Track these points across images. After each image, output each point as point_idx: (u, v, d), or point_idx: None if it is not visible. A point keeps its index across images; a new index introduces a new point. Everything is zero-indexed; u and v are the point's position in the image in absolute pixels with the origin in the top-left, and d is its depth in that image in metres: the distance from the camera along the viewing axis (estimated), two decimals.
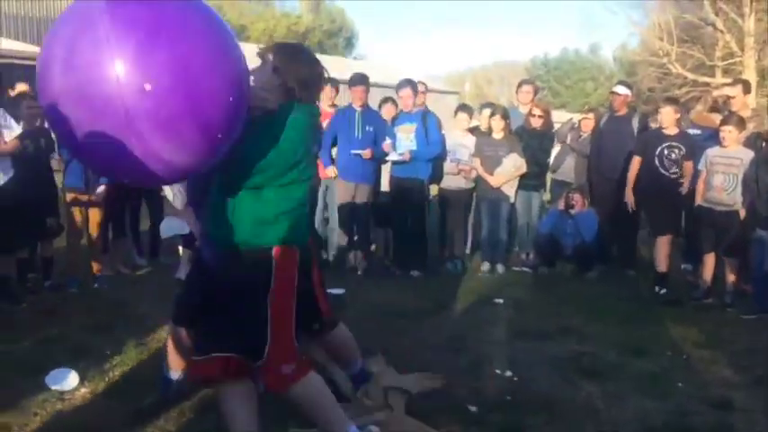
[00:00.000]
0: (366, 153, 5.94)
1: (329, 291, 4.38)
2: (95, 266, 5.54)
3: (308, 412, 2.64)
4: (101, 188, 5.33)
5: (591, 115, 6.62)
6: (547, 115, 6.73)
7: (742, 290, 5.31)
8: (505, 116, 6.41)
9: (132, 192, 5.95)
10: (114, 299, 5.16)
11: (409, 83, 6.31)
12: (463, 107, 6.91)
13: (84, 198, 5.30)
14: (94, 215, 5.41)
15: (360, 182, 6.07)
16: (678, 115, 5.79)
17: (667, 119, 5.63)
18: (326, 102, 6.64)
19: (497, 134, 6.40)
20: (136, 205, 6.19)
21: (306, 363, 2.64)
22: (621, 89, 6.45)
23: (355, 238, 6.22)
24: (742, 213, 5.18)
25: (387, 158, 6.18)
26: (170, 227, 3.31)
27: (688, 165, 5.65)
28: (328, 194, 6.41)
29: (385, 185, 6.51)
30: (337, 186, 6.17)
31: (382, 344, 3.98)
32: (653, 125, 6.45)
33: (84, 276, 5.42)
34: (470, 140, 6.49)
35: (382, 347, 3.84)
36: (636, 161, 5.80)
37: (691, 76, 21.48)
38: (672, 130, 5.66)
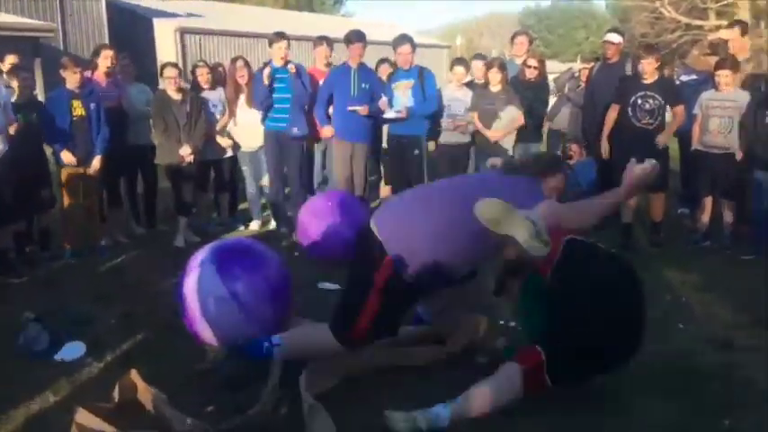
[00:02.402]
0: (362, 109, 5.89)
1: (323, 285, 4.52)
2: (95, 236, 5.54)
3: None
4: (96, 159, 5.29)
5: (592, 65, 6.53)
6: (542, 66, 6.64)
7: (740, 232, 5.33)
8: (503, 68, 6.33)
9: (128, 161, 5.91)
10: (113, 268, 5.17)
11: (407, 39, 6.21)
12: (459, 61, 6.82)
13: (81, 171, 5.26)
14: (90, 186, 5.38)
15: (357, 141, 6.03)
16: (658, 64, 5.66)
17: (648, 69, 5.48)
18: (322, 61, 6.55)
19: (495, 87, 6.31)
20: (132, 174, 6.16)
21: None
22: (614, 37, 6.34)
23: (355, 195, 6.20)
24: (739, 156, 5.17)
25: (384, 116, 6.13)
26: None
27: (677, 111, 5.53)
28: (327, 154, 6.38)
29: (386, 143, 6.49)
30: (334, 146, 6.13)
31: None
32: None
33: (81, 247, 5.42)
34: (465, 94, 6.42)
35: None
36: (612, 109, 5.69)
37: (684, 19, 21.19)
38: (650, 79, 5.50)
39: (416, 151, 6.20)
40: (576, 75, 6.61)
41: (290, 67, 5.88)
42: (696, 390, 3.00)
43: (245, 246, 3.60)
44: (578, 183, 6.21)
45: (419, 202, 3.04)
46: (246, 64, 6.24)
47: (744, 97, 5.20)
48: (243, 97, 6.16)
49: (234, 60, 6.32)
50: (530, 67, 6.50)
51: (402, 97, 6.17)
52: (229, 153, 6.28)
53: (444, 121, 6.39)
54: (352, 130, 5.99)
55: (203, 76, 6.18)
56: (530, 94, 6.44)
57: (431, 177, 6.42)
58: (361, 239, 3.04)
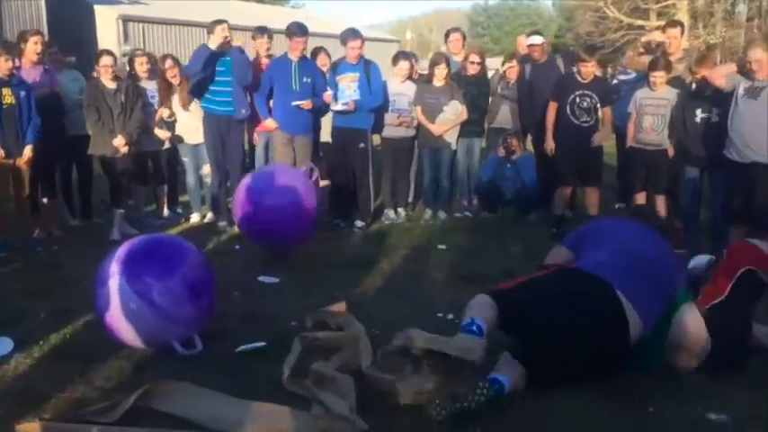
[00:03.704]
0: (306, 104, 5.85)
1: (262, 278, 4.48)
2: (27, 228, 5.34)
3: None
4: (27, 149, 5.10)
5: (514, 62, 6.66)
6: (483, 61, 6.74)
7: (672, 226, 5.51)
8: (448, 63, 6.39)
9: (62, 152, 5.73)
10: (47, 261, 5.00)
11: (357, 34, 6.19)
12: (403, 54, 6.82)
13: (10, 162, 5.06)
14: (21, 176, 5.18)
15: (298, 134, 5.99)
16: (597, 65, 5.82)
17: (587, 71, 5.63)
18: (262, 52, 6.47)
19: (438, 82, 6.38)
20: (66, 166, 5.96)
21: None
22: (537, 39, 6.44)
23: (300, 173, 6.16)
24: (670, 152, 5.35)
25: (331, 109, 6.10)
26: None
27: (605, 111, 5.75)
28: (269, 147, 6.31)
29: (326, 136, 6.44)
30: (275, 139, 6.07)
31: (329, 294, 4.02)
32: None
33: (13, 240, 5.22)
34: (409, 88, 6.45)
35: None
36: (552, 107, 5.84)
37: (626, 19, 21.76)
38: (586, 78, 5.67)
39: (362, 144, 6.20)
40: (502, 74, 6.71)
41: (238, 45, 5.77)
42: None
43: (156, 247, 3.42)
44: (521, 179, 6.34)
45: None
46: (176, 62, 6.12)
47: (675, 94, 5.38)
48: (176, 99, 6.07)
49: (163, 59, 6.18)
50: (472, 62, 6.58)
51: (348, 90, 6.15)
52: (167, 145, 6.15)
53: (389, 116, 6.41)
54: (295, 123, 5.94)
55: (141, 66, 6.04)
56: (473, 88, 6.53)
57: (376, 170, 6.45)
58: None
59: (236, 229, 5.61)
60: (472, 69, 6.58)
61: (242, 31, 9.99)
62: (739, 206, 4.73)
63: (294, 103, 5.82)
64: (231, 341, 3.39)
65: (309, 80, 5.94)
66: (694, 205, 5.33)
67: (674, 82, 5.59)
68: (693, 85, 5.34)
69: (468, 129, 6.55)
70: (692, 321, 3.11)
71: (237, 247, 5.28)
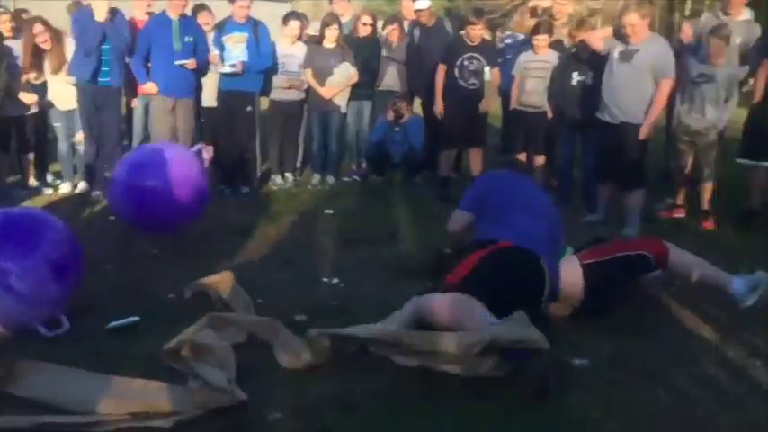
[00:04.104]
0: (190, 63, 5.59)
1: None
2: None
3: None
4: None
5: (395, 24, 6.65)
6: (375, 23, 6.66)
7: (549, 184, 5.75)
8: (340, 25, 6.26)
9: None
10: None
11: None
12: (294, 15, 6.58)
13: None
14: None
15: (180, 96, 5.71)
16: (485, 28, 5.90)
17: (475, 33, 5.71)
18: (141, 9, 6.07)
19: (329, 43, 6.25)
20: None
21: None
22: (423, 3, 6.40)
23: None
24: (549, 114, 5.53)
25: (218, 70, 5.86)
26: None
27: (494, 73, 5.86)
28: (149, 110, 5.97)
29: (210, 100, 6.19)
30: (154, 105, 5.75)
31: (211, 264, 3.90)
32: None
33: None
34: (299, 50, 6.28)
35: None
36: (441, 69, 5.88)
37: None
38: (475, 41, 5.75)
39: (249, 108, 6.01)
40: (385, 38, 6.68)
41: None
42: None
43: (9, 223, 3.12)
44: (409, 142, 6.36)
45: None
46: (47, 26, 5.61)
47: (556, 59, 5.55)
48: (47, 65, 5.61)
49: (30, 22, 5.63)
50: (364, 24, 6.49)
51: (235, 51, 5.91)
52: (34, 109, 5.69)
53: (278, 78, 6.23)
54: (177, 85, 5.65)
55: (5, 24, 5.54)
56: (364, 51, 6.45)
57: (263, 135, 6.28)
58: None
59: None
60: (363, 31, 6.49)
61: None
62: (608, 166, 4.98)
63: (177, 63, 5.53)
64: (101, 317, 3.21)
65: (191, 39, 5.66)
66: (568, 165, 5.57)
67: (557, 46, 5.76)
68: (574, 49, 5.52)
69: (359, 92, 6.49)
70: (571, 273, 3.26)
71: (112, 217, 5.00)
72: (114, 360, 2.83)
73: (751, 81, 5.21)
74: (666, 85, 4.73)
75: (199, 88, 5.96)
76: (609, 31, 5.30)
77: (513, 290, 2.97)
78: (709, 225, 5.01)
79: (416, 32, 6.55)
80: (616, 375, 2.76)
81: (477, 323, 2.68)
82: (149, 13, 6.05)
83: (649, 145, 4.94)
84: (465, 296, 2.80)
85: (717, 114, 4.90)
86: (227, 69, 5.79)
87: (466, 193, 3.68)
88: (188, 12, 5.86)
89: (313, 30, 6.86)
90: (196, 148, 4.53)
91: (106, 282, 3.71)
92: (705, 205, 5.09)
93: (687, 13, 17.91)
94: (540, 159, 5.68)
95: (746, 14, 5.38)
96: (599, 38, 5.19)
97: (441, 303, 2.86)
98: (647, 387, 2.66)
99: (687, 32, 5.72)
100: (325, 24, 6.29)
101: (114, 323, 3.16)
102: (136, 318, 3.22)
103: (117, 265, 3.99)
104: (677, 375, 2.75)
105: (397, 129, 6.38)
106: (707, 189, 5.08)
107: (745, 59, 5.15)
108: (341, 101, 6.41)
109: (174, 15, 5.59)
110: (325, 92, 6.26)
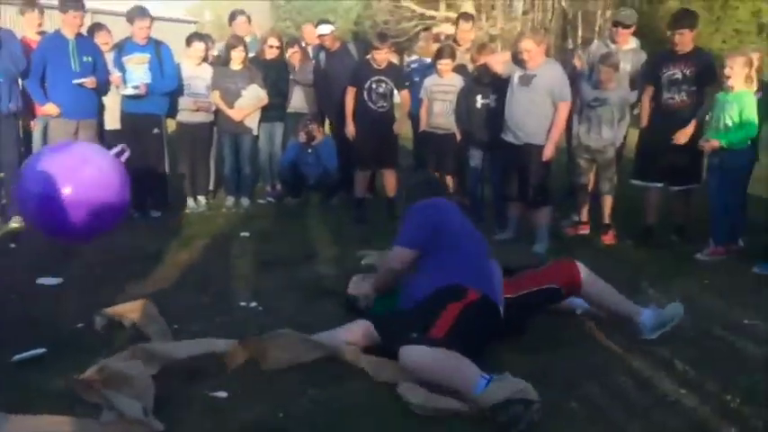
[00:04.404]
0: (90, 81, 5.42)
1: (41, 280, 4.05)
2: None
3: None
4: None
5: (296, 47, 6.75)
6: (282, 45, 6.70)
7: (461, 203, 5.92)
8: (246, 48, 6.24)
9: None
10: None
11: (145, 11, 5.80)
12: (197, 36, 6.53)
13: None
14: None
15: (83, 118, 5.51)
16: (390, 51, 6.04)
17: (380, 58, 5.83)
18: (32, 28, 5.82)
19: (236, 65, 6.23)
20: None
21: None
22: (325, 28, 6.51)
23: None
24: (458, 136, 5.73)
25: (120, 92, 5.71)
26: None
27: (403, 95, 6.03)
28: (48, 134, 5.70)
29: (114, 122, 6.00)
30: (54, 125, 5.50)
31: (120, 291, 3.78)
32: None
33: None
34: (204, 71, 6.22)
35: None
36: (350, 92, 5.96)
37: (418, 9, 22.90)
38: (382, 65, 5.86)
39: (156, 130, 5.90)
40: (288, 57, 6.75)
41: None
42: None
43: None
44: (323, 164, 6.40)
45: None
46: None
47: (461, 81, 5.77)
48: None
49: None
50: (270, 46, 6.51)
51: (137, 72, 5.77)
52: None
53: (184, 100, 6.13)
54: (78, 106, 5.46)
55: None
56: (272, 73, 6.47)
57: (172, 157, 6.15)
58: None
59: (11, 225, 5.05)
60: (270, 54, 6.52)
61: (5, 5, 8.91)
62: (515, 185, 5.21)
63: (75, 82, 5.35)
64: (5, 351, 3.03)
65: (90, 59, 5.50)
66: (478, 185, 5.78)
67: (461, 70, 5.98)
68: (476, 73, 5.75)
69: (270, 114, 6.49)
70: None
71: (13, 245, 4.73)
72: (20, 394, 2.68)
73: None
74: (564, 108, 5.01)
75: (101, 109, 5.79)
76: (507, 55, 5.56)
77: (487, 339, 3.10)
78: (608, 239, 5.30)
79: (322, 56, 6.64)
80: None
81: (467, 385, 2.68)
82: (41, 33, 5.82)
83: (553, 164, 5.20)
84: (453, 353, 2.76)
85: (612, 134, 5.22)
86: (129, 91, 5.67)
87: (407, 230, 3.33)
88: (83, 31, 5.70)
89: (217, 51, 6.83)
90: (117, 148, 4.28)
91: (10, 314, 3.52)
92: (606, 219, 5.38)
93: (579, 41, 19.13)
94: (450, 179, 5.85)
95: (632, 43, 5.79)
96: (499, 62, 5.44)
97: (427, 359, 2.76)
98: (563, 399, 2.74)
99: (579, 62, 6.10)
100: (230, 47, 6.28)
101: (18, 356, 3.00)
102: (42, 350, 3.06)
103: (21, 297, 3.78)
104: (590, 387, 2.86)
105: (309, 151, 6.41)
106: (607, 203, 5.36)
107: (634, 85, 5.54)
108: (252, 123, 6.38)
109: (69, 34, 5.42)
110: (235, 114, 6.21)
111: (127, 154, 4.32)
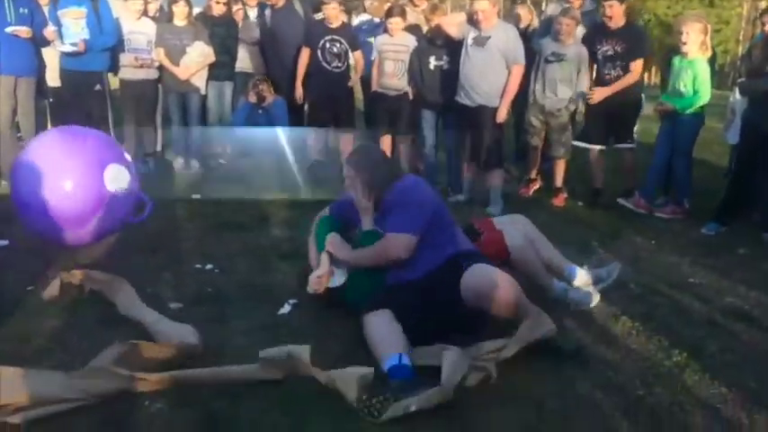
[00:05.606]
0: (24, 30, 5.15)
1: None
2: None
3: None
4: None
5: (239, 4, 6.56)
6: (230, 0, 6.47)
7: (415, 166, 5.93)
8: (190, 2, 6.00)
9: None
10: None
11: None
12: None
13: None
14: None
15: (22, 75, 5.25)
16: (342, 9, 5.93)
17: (332, 14, 5.73)
18: None
19: (180, 21, 5.99)
20: None
21: None
22: None
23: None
24: (410, 96, 5.68)
25: (57, 49, 5.47)
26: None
27: (356, 56, 5.94)
28: None
29: (55, 79, 5.73)
30: None
31: (74, 252, 3.67)
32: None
33: None
34: (145, 26, 5.97)
35: None
36: (304, 52, 5.87)
37: None
38: (335, 23, 5.77)
39: (98, 87, 5.69)
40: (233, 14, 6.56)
41: None
42: None
43: None
44: (273, 123, 6.27)
45: None
46: None
47: (413, 41, 5.68)
48: None
49: None
50: (218, 2, 6.28)
51: (74, 27, 5.51)
52: None
53: (125, 56, 5.89)
54: (18, 63, 5.20)
55: None
56: (220, 29, 6.26)
57: (116, 115, 5.93)
58: None
59: None
60: (218, 9, 6.30)
61: None
62: (469, 147, 5.24)
63: (9, 29, 5.08)
64: None
65: (26, 11, 5.23)
66: (432, 147, 5.77)
67: (414, 30, 5.90)
68: (429, 34, 5.69)
69: (218, 72, 6.30)
70: None
71: None
72: None
73: None
74: (518, 71, 5.04)
75: (42, 66, 5.51)
76: (463, 16, 5.53)
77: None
78: (559, 201, 5.43)
79: (267, 13, 6.44)
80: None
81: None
82: None
83: (505, 127, 5.25)
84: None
85: (570, 92, 5.26)
86: (67, 48, 5.47)
87: (410, 216, 2.92)
88: None
89: (159, 3, 6.54)
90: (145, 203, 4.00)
91: None
92: (558, 183, 5.50)
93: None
94: (403, 139, 5.82)
95: (588, 5, 5.85)
96: (453, 24, 5.40)
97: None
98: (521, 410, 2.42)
99: (528, 14, 6.13)
100: (172, 1, 6.02)
101: None
102: None
103: None
104: (549, 397, 2.51)
105: (260, 111, 6.27)
106: (560, 167, 5.47)
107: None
108: (199, 81, 6.19)
109: None
110: (180, 72, 6.01)
111: (150, 207, 3.98)
